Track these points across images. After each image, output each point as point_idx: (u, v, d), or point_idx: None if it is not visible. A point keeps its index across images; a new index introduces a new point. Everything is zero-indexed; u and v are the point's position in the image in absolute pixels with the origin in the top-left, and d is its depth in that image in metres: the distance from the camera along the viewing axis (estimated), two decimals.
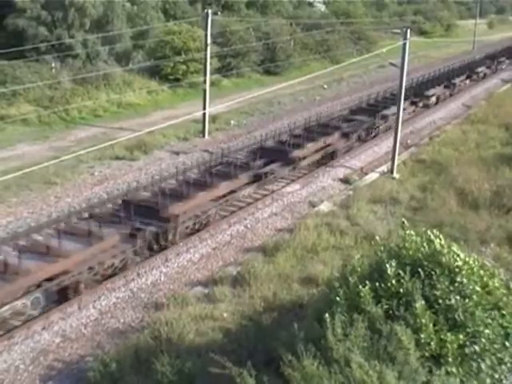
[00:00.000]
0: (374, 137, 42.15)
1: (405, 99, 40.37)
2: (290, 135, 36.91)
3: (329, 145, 36.93)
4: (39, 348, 19.51)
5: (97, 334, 20.46)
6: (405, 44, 34.00)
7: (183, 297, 21.91)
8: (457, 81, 58.67)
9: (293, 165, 33.95)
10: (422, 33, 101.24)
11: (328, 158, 36.98)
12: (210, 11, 41.11)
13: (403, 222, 14.82)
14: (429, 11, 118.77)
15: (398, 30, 78.87)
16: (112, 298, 22.36)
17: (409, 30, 34.58)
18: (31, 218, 27.64)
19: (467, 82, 62.63)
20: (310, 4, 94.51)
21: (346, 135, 38.70)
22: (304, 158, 34.59)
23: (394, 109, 40.67)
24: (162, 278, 23.97)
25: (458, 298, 12.83)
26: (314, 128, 38.55)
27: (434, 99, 52.58)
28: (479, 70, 67.05)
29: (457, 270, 13.23)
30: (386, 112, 43.46)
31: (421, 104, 50.05)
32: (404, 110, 39.99)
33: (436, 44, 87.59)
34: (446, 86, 56.15)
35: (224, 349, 16.68)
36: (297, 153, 33.99)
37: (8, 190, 30.30)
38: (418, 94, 50.18)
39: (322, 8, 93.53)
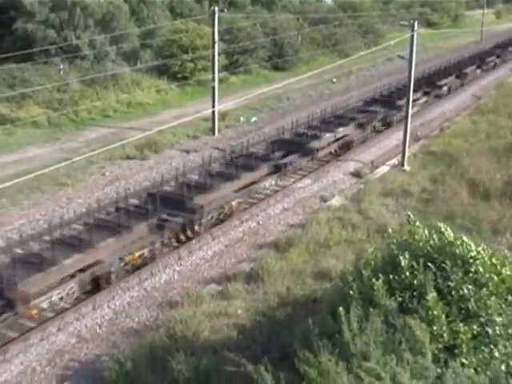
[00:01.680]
0: None
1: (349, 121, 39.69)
2: None
3: None
4: (55, 349, 19.60)
5: (112, 333, 20.54)
6: (412, 36, 33.91)
7: (197, 294, 21.94)
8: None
9: None
10: (430, 24, 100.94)
11: None
12: (216, 8, 41.11)
13: (409, 216, 14.78)
14: (436, 2, 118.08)
15: (406, 22, 78.52)
16: (126, 297, 22.44)
17: (416, 22, 34.52)
18: (43, 220, 27.71)
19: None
20: None
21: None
22: None
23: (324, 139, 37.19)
24: (176, 277, 24.02)
25: (471, 287, 12.82)
26: None
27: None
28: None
29: (471, 260, 13.22)
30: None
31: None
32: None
33: (444, 35, 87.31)
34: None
35: (239, 345, 16.71)
36: None
37: (20, 193, 30.41)
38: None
39: (329, 2, 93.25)
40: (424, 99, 48.38)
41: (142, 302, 22.26)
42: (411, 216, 14.85)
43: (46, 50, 46.80)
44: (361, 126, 39.70)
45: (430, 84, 50.44)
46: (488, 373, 12.13)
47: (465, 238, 13.71)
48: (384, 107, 43.36)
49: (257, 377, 12.04)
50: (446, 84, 52.67)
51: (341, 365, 11.69)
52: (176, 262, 24.89)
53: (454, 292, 12.84)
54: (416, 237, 13.91)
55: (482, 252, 13.51)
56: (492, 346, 12.54)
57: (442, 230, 13.89)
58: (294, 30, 66.25)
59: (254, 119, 45.71)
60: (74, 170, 33.32)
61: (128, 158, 36.35)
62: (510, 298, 13.23)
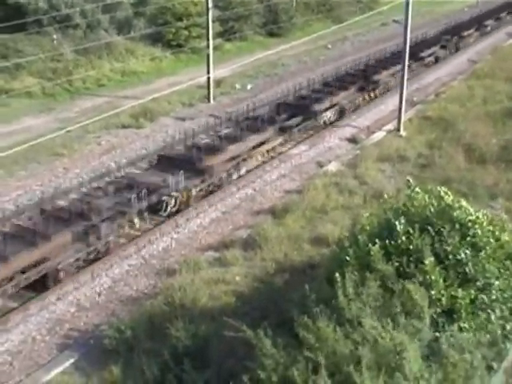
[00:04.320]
0: None
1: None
2: None
3: None
4: (55, 318, 19.71)
5: (111, 302, 20.65)
6: (408, 0, 33.66)
7: (195, 262, 22.01)
8: None
9: None
10: None
11: None
12: None
13: (408, 181, 14.80)
14: None
15: None
16: (124, 265, 22.53)
17: None
18: (40, 191, 27.67)
19: None
20: None
21: None
22: None
23: None
24: (173, 244, 24.11)
25: (468, 252, 12.89)
26: None
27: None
28: None
29: (469, 224, 13.28)
30: None
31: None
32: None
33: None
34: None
35: (237, 312, 16.82)
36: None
37: (16, 164, 30.36)
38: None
39: None
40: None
41: (140, 270, 22.36)
42: (411, 181, 14.88)
43: (38, 20, 46.43)
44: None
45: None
46: (486, 336, 12.25)
47: (463, 203, 13.77)
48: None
49: (256, 342, 12.15)
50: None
51: (338, 331, 11.78)
52: (173, 230, 24.96)
53: (451, 256, 12.91)
54: (415, 202, 13.96)
55: (480, 217, 13.59)
56: (489, 311, 12.65)
57: (442, 194, 13.95)
58: None
59: (249, 86, 45.53)
60: (70, 140, 33.22)
61: (124, 126, 36.22)
62: (507, 263, 13.32)
